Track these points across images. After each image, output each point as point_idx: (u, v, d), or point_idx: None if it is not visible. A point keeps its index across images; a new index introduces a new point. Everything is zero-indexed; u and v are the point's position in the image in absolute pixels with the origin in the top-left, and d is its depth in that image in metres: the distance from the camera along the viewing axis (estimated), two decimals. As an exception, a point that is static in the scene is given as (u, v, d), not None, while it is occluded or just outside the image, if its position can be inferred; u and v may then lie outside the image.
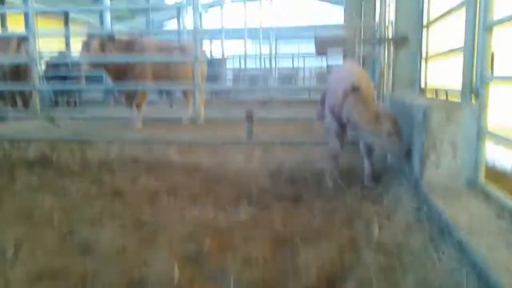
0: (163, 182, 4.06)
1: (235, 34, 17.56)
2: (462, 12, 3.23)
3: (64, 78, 10.75)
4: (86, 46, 7.25)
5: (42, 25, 16.05)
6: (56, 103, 11.92)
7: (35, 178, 4.18)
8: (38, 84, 5.92)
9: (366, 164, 3.78)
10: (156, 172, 4.47)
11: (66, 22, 25.92)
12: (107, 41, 7.37)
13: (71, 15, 25.14)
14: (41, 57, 10.82)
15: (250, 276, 2.04)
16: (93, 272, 2.17)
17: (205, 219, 2.95)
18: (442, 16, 3.97)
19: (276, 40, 15.53)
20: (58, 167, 4.67)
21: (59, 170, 4.55)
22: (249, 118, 5.03)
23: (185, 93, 9.47)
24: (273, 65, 14.29)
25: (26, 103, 8.76)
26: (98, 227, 2.87)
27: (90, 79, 11.69)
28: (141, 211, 3.20)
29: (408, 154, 3.41)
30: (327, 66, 11.70)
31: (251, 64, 17.05)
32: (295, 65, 16.08)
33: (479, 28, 2.89)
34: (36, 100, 5.82)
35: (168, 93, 10.38)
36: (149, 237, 2.65)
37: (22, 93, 8.62)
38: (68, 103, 11.99)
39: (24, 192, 3.75)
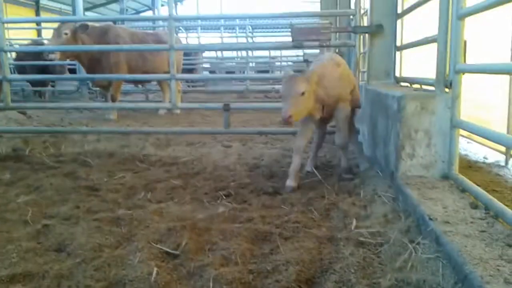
0: (140, 177, 4.01)
1: (211, 24, 17.51)
2: (436, 1, 3.25)
3: (42, 68, 10.24)
4: (57, 34, 7.07)
5: (11, 12, 15.62)
6: (32, 94, 11.60)
7: (7, 172, 4.08)
8: (8, 74, 5.73)
9: (342, 157, 3.83)
10: (132, 166, 4.42)
11: (37, 10, 25.25)
12: (80, 29, 7.19)
13: (42, 2, 24.44)
14: (11, 46, 10.51)
15: (228, 274, 2.02)
16: (69, 273, 2.12)
17: (183, 215, 2.92)
18: (416, 5, 3.99)
19: (252, 29, 15.53)
20: (31, 161, 4.57)
21: (32, 164, 4.46)
22: (226, 108, 5.00)
23: (160, 83, 9.35)
24: (249, 55, 14.28)
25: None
26: (74, 223, 2.81)
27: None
28: (117, 207, 3.15)
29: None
30: (304, 55, 11.71)
31: (227, 55, 17.02)
32: (272, 55, 16.07)
33: (452, 17, 2.92)
34: (7, 91, 5.64)
35: (144, 83, 10.23)
36: (126, 234, 2.61)
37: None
38: (40, 94, 11.69)
39: (-4, 187, 3.65)
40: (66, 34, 7.06)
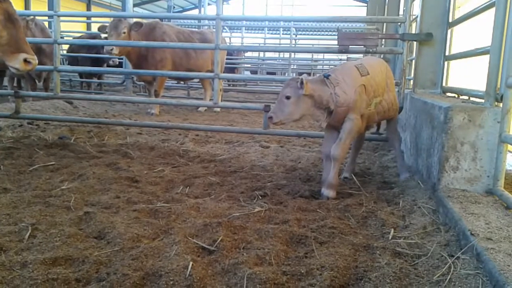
0: (178, 171, 4.08)
1: (255, 25, 17.67)
2: (490, 12, 3.15)
3: (94, 60, 10.52)
4: (116, 33, 7.27)
5: (64, 6, 16.20)
6: (81, 85, 11.96)
7: (53, 159, 4.22)
8: (59, 65, 5.96)
9: (332, 170, 3.43)
10: (172, 160, 4.51)
11: (88, 4, 26.12)
12: (134, 27, 7.40)
13: (94, -3, 25.22)
14: (61, 38, 10.87)
15: (262, 274, 2.02)
16: (108, 260, 2.19)
17: (219, 211, 2.95)
18: (469, 15, 3.88)
19: (296, 31, 15.51)
20: (76, 150, 4.72)
21: (77, 153, 4.60)
22: (267, 109, 5.01)
23: (202, 81, 9.48)
24: (292, 56, 14.28)
25: (45, 84, 8.82)
26: (114, 213, 2.89)
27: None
28: (156, 199, 3.22)
29: None
30: (347, 60, 11.59)
31: (269, 55, 17.10)
32: (314, 58, 16.01)
33: (508, 29, 2.82)
34: (57, 81, 5.87)
35: (187, 80, 10.40)
36: (163, 227, 2.66)
37: (38, 74, 8.60)
38: (87, 85, 12.06)
39: (42, 173, 3.78)
40: (124, 33, 7.29)
